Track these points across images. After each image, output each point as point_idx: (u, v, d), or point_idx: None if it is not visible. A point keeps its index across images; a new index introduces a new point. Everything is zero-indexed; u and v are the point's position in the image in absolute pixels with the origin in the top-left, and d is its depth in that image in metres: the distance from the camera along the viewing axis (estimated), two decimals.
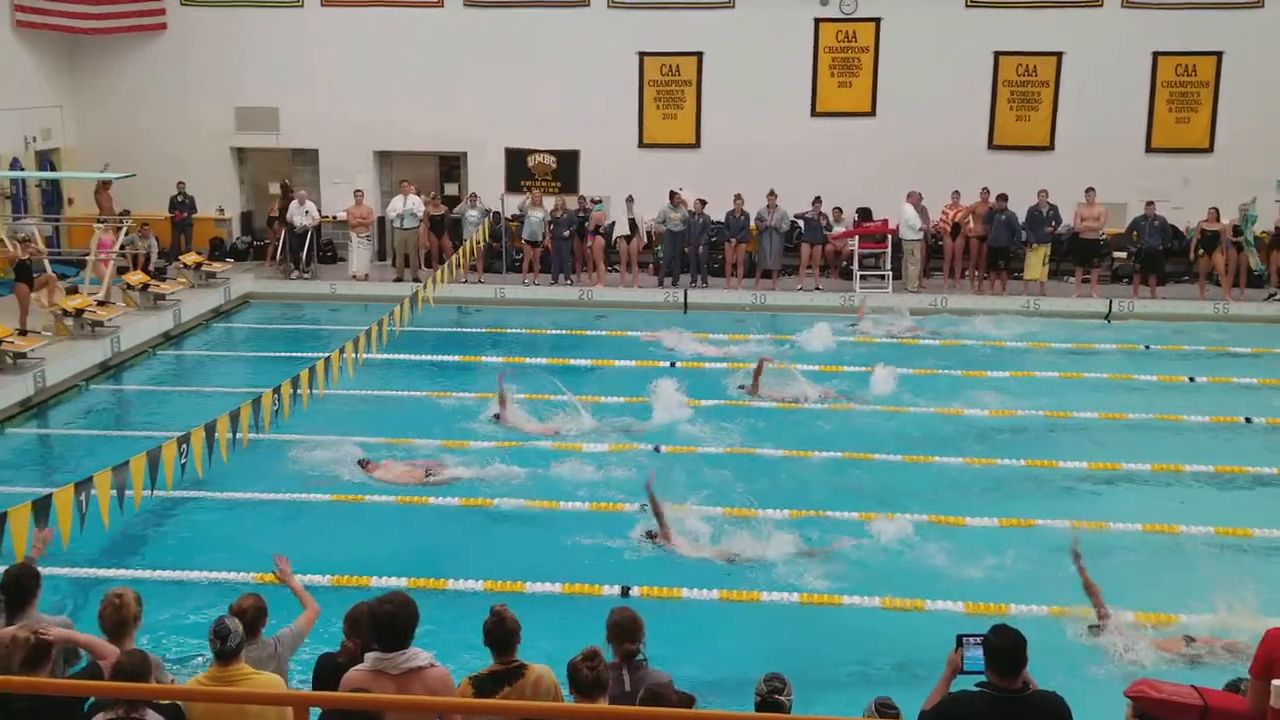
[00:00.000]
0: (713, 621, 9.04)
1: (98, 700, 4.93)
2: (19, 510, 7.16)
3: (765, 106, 21.48)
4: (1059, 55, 21.37)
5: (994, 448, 12.95)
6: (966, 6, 21.35)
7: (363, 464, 11.74)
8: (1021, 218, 19.83)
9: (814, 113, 21.83)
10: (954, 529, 10.68)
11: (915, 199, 20.04)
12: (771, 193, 20.22)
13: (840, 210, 21.03)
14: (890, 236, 20.42)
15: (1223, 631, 8.57)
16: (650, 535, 10.24)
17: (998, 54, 21.42)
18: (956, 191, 20.34)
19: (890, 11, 21.44)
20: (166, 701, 5.02)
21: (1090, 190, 19.70)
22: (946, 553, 10.11)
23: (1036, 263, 19.78)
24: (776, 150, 21.07)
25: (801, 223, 20.60)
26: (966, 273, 20.51)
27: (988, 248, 19.99)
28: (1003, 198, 19.68)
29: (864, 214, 21.08)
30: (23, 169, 20.61)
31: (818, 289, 20.38)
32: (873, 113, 21.73)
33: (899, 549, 10.24)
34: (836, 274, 21.14)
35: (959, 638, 5.14)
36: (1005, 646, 5.00)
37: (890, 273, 20.33)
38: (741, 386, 14.85)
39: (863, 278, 20.33)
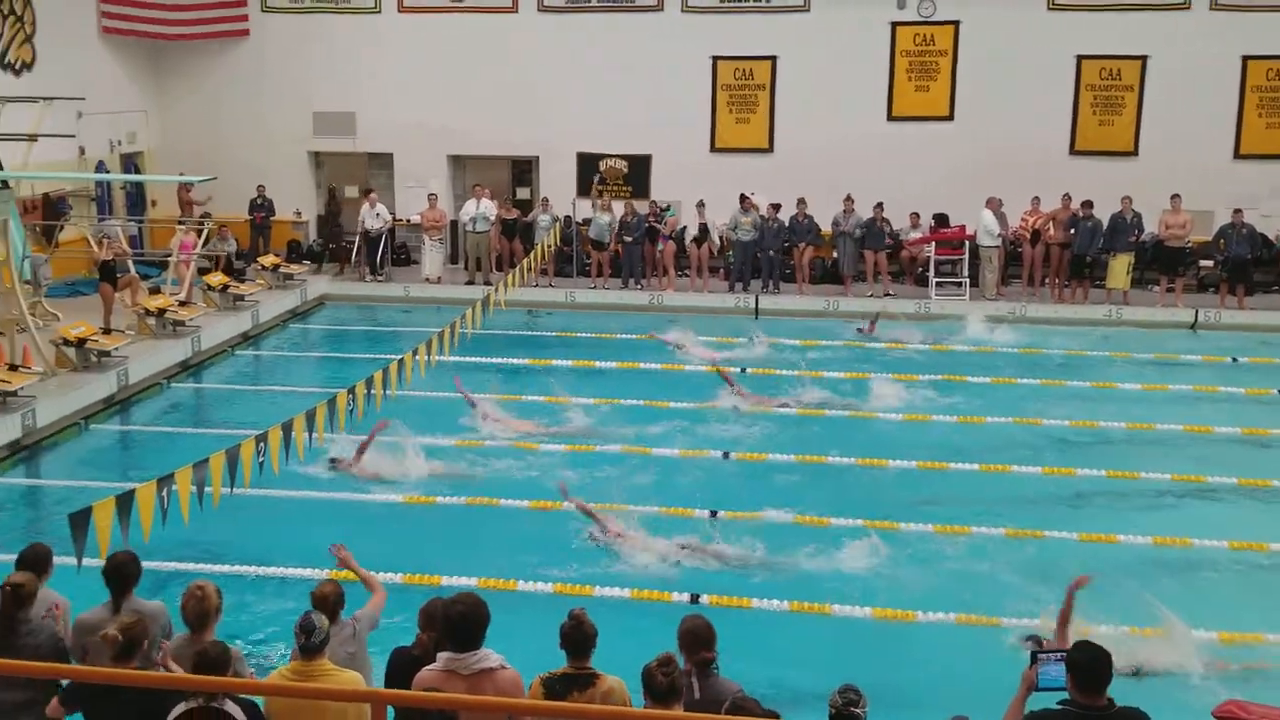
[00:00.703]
0: (782, 632, 8.91)
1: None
2: (104, 504, 7.29)
3: (840, 110, 21.31)
4: (1144, 59, 20.90)
5: (1074, 459, 12.66)
6: (1048, 9, 20.98)
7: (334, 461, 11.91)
8: (1104, 225, 19.42)
9: (890, 117, 21.61)
10: (1031, 542, 10.45)
11: (995, 205, 19.72)
12: (848, 198, 20.04)
13: (917, 216, 20.76)
14: (968, 243, 20.12)
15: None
16: (594, 537, 10.32)
17: (1080, 57, 21.01)
18: (1036, 197, 19.97)
19: (969, 15, 21.15)
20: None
21: (1176, 197, 19.22)
22: (1023, 567, 9.90)
23: (1120, 271, 19.34)
24: (851, 155, 20.91)
25: (862, 229, 20.26)
26: (1046, 280, 20.11)
27: (1071, 255, 19.58)
28: (1088, 204, 19.28)
29: (941, 220, 20.82)
30: (108, 171, 21.09)
31: (888, 294, 20.12)
32: (950, 117, 21.45)
33: (974, 562, 10.04)
34: (912, 280, 20.86)
35: (1033, 654, 5.06)
36: (1090, 662, 4.88)
37: (967, 280, 20.02)
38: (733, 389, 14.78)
39: (938, 285, 20.05)
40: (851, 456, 12.54)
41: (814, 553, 10.07)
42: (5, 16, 18.79)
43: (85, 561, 7.09)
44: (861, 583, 9.56)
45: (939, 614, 9.07)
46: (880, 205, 20.09)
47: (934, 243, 20.35)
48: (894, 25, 21.40)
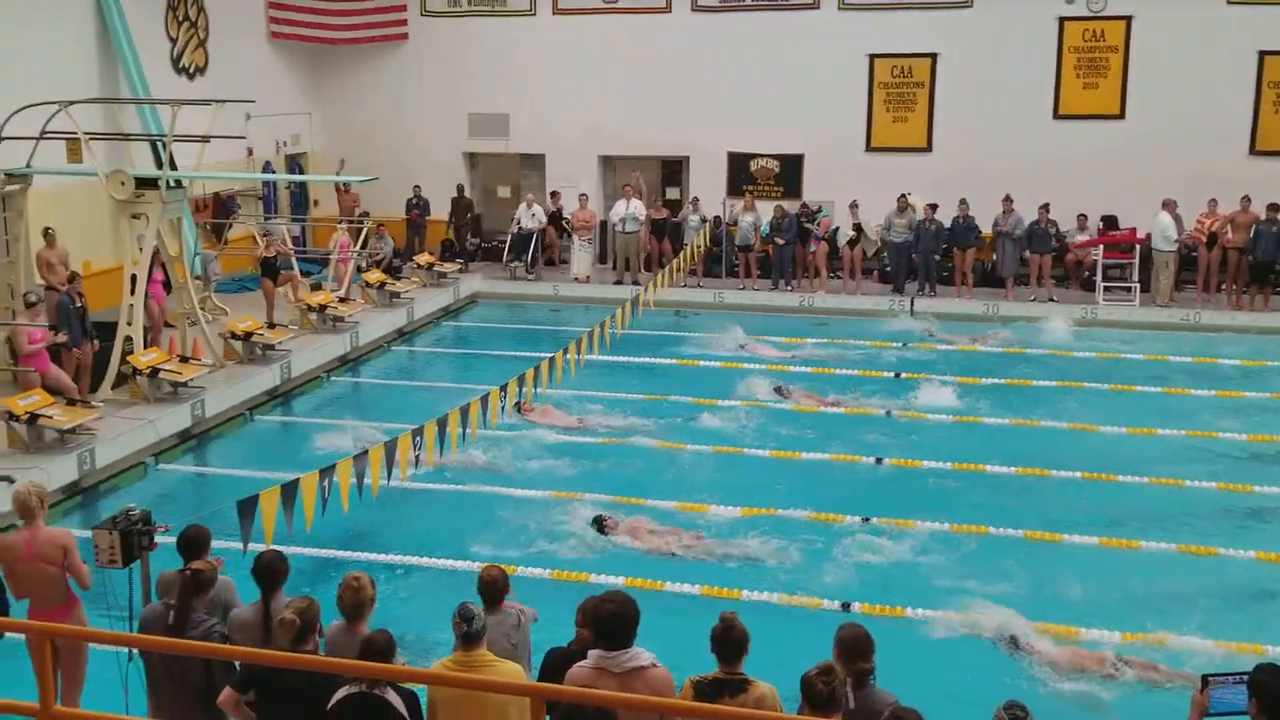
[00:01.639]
0: (938, 643, 8.60)
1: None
2: (269, 493, 7.48)
3: (1004, 108, 20.69)
4: None
5: (1251, 474, 11.96)
6: (1227, 3, 19.88)
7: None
8: None
9: (1056, 115, 20.85)
10: (1205, 559, 9.92)
11: (1171, 207, 18.80)
12: (1007, 198, 19.40)
13: (1084, 217, 19.99)
14: (1138, 246, 19.24)
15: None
16: (601, 525, 10.33)
17: (1263, 54, 19.87)
18: (1213, 200, 19.01)
19: (1142, 9, 20.26)
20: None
21: None
22: (1196, 585, 9.40)
23: None
24: (1015, 154, 20.33)
25: (1024, 231, 19.56)
26: (1223, 286, 19.10)
27: (1252, 260, 18.51)
28: (1275, 207, 18.20)
29: (1109, 222, 20.00)
30: (274, 171, 21.84)
31: (1052, 299, 19.40)
32: (1121, 115, 20.59)
33: (1143, 579, 9.58)
34: (1077, 284, 20.09)
35: (1204, 678, 4.82)
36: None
37: (1137, 285, 19.15)
38: (778, 389, 14.68)
39: (1106, 289, 19.23)
40: (1011, 465, 12.10)
41: (970, 563, 9.76)
42: (180, 23, 19.65)
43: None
44: (1023, 596, 9.17)
45: (1104, 631, 8.65)
46: (1046, 206, 19.39)
47: (1102, 246, 19.53)
48: (1061, 20, 20.65)
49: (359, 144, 23.35)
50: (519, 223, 21.50)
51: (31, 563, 6.66)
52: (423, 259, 20.82)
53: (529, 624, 6.17)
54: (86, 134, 13.89)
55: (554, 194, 22.22)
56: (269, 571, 5.98)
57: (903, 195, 19.75)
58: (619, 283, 20.89)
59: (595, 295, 20.28)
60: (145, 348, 13.83)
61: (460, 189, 22.75)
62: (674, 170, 23.47)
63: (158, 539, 6.55)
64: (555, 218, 22.10)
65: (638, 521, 10.46)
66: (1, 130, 13.72)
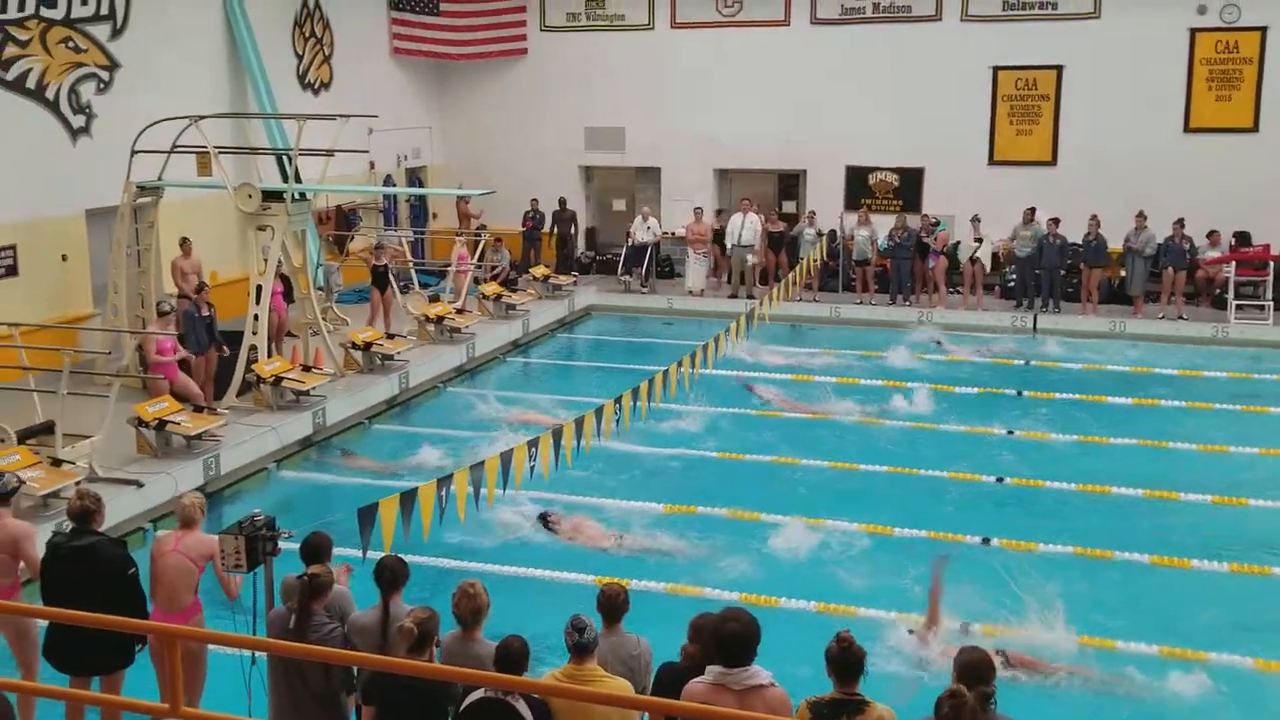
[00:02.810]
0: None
1: None
2: (388, 501, 7.58)
3: (1132, 121, 20.11)
4: None
5: None
6: None
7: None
8: None
9: (1187, 128, 20.18)
10: None
11: None
12: (1140, 214, 18.81)
13: (1216, 233, 19.28)
14: (1271, 263, 18.48)
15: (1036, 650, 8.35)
16: (545, 520, 10.53)
17: None
18: None
19: (1278, 19, 19.48)
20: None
21: None
22: None
23: None
24: (1144, 168, 19.79)
25: (1155, 247, 18.97)
26: None
27: None
28: None
29: (1242, 238, 19.27)
30: (394, 185, 22.27)
31: (1181, 318, 18.73)
32: (1255, 128, 19.85)
33: (1276, 606, 9.16)
34: (1208, 302, 19.39)
35: None
36: None
37: (1270, 303, 18.38)
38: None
39: (1238, 307, 18.51)
40: (1138, 488, 11.69)
41: (1094, 586, 9.50)
42: (306, 40, 20.22)
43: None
44: (1149, 622, 8.89)
45: (1235, 656, 8.34)
46: (1180, 222, 18.81)
47: (1234, 262, 18.81)
48: (1193, 31, 20.00)
49: (477, 157, 23.69)
50: (633, 236, 21.58)
51: (173, 556, 6.89)
52: (538, 271, 21.01)
53: (650, 660, 5.92)
54: (216, 148, 14.31)
55: (718, 211, 21.94)
56: (390, 574, 6.07)
57: (1030, 208, 19.29)
58: (733, 296, 20.80)
59: (709, 309, 20.20)
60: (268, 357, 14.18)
61: (562, 201, 22.86)
62: (790, 184, 23.31)
63: (281, 545, 6.68)
64: (720, 234, 21.99)
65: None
66: (135, 144, 14.24)
